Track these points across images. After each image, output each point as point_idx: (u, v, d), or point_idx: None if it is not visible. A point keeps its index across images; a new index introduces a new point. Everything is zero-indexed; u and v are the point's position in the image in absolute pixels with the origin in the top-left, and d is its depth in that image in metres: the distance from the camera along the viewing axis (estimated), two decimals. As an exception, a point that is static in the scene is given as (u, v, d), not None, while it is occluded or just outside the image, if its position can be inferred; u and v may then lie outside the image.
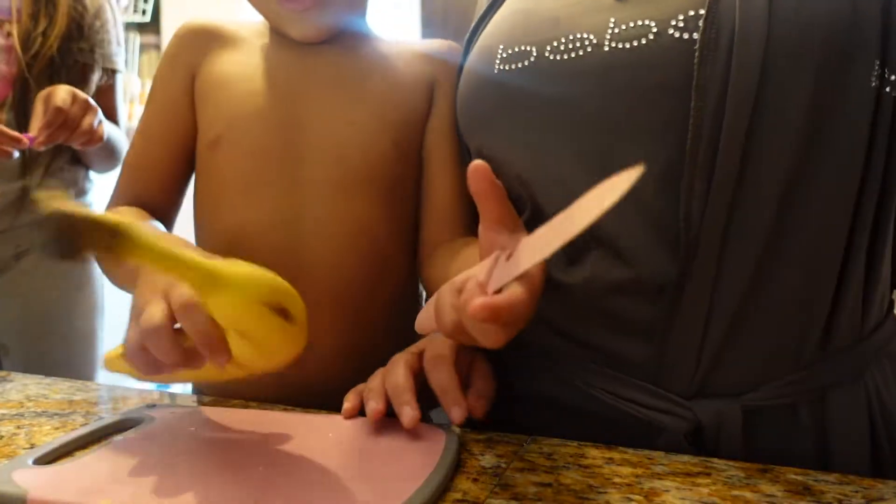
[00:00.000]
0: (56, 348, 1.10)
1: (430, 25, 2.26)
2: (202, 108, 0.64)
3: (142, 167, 0.65)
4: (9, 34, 1.02)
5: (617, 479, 0.41)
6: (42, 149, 0.93)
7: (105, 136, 1.00)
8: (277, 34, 0.66)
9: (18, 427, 0.51)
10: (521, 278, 0.35)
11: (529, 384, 0.55)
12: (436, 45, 0.67)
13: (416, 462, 0.42)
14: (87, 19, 1.08)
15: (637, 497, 0.39)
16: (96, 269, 1.16)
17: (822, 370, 0.48)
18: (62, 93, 0.92)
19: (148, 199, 0.64)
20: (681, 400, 0.47)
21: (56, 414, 0.54)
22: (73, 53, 1.06)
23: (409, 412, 0.44)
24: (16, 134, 0.90)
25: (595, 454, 0.45)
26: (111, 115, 1.14)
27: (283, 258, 0.59)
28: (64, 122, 0.92)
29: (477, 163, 0.40)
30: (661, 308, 0.46)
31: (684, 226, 0.44)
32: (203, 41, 0.66)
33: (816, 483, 0.40)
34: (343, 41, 0.64)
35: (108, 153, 1.12)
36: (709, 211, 0.43)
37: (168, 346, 0.38)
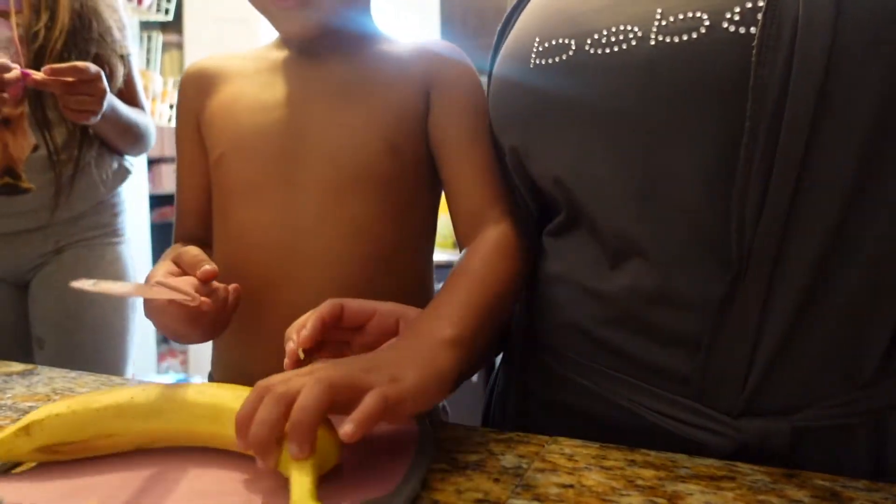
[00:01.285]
0: (90, 341, 1.12)
1: (450, 25, 2.26)
2: (207, 136, 0.67)
3: (184, 213, 0.72)
4: (18, 25, 1.02)
5: (640, 482, 0.41)
6: (31, 85, 0.92)
7: (93, 122, 1.00)
8: (277, 49, 0.68)
9: (45, 419, 0.52)
10: None
11: (562, 396, 0.53)
12: (432, 41, 0.67)
13: (388, 465, 0.41)
14: (87, 8, 1.07)
15: (660, 500, 0.38)
16: (130, 265, 1.19)
17: (882, 390, 0.44)
18: (93, 65, 0.96)
19: (197, 236, 0.71)
20: (725, 418, 0.45)
21: (81, 407, 0.55)
22: (82, 45, 1.06)
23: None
24: (4, 62, 0.89)
25: (617, 456, 0.45)
26: (134, 100, 1.16)
27: (282, 255, 0.62)
28: (70, 78, 0.93)
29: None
30: (706, 322, 0.44)
31: (737, 237, 0.41)
32: (202, 83, 0.68)
33: (844, 489, 0.40)
34: (344, 47, 0.65)
35: (133, 137, 1.14)
36: (763, 221, 0.41)
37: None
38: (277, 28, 0.64)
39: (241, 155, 0.63)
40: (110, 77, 1.07)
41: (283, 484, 0.38)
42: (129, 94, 1.15)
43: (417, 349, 0.45)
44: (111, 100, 1.04)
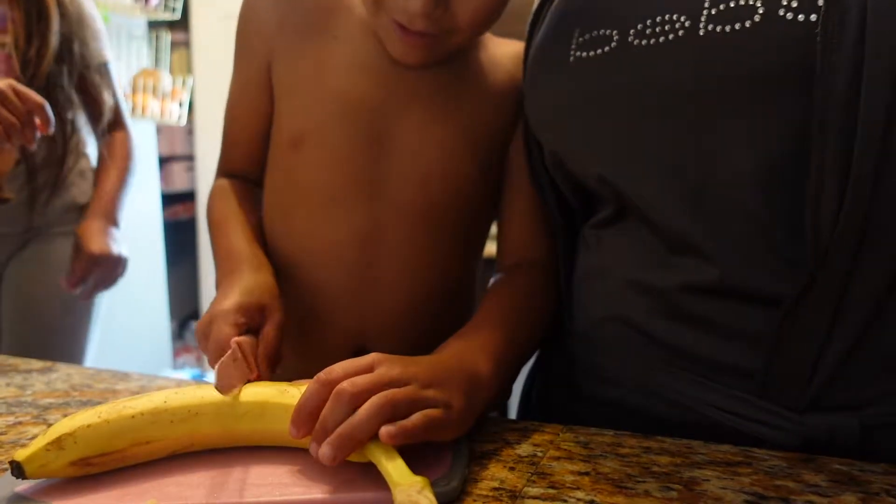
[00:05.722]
0: (45, 335, 1.16)
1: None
2: (284, 97, 0.60)
3: (232, 145, 0.67)
4: (2, 45, 1.04)
5: (655, 469, 0.41)
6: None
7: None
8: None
9: (65, 416, 0.52)
10: None
11: (608, 391, 0.52)
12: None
13: (431, 453, 0.41)
14: (73, 26, 1.09)
15: (677, 486, 0.38)
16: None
17: None
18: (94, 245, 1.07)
19: (243, 172, 0.67)
20: (790, 413, 0.43)
21: (100, 403, 0.55)
22: (68, 68, 1.09)
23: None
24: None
25: (632, 443, 0.45)
26: (117, 116, 1.18)
27: (354, 276, 0.59)
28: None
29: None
30: (772, 318, 0.42)
31: (813, 235, 0.39)
32: (280, 13, 0.59)
33: (862, 473, 0.40)
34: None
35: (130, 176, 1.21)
36: (843, 217, 0.38)
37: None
38: (390, 49, 0.55)
39: (324, 152, 0.58)
40: (97, 99, 1.13)
41: (340, 472, 0.39)
42: (113, 108, 1.17)
43: (464, 380, 0.45)
44: (113, 216, 1.14)
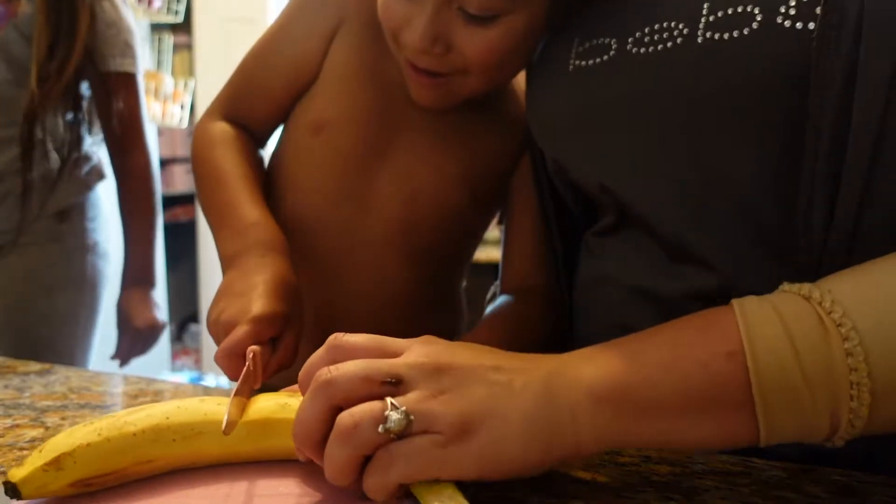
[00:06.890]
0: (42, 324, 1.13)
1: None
2: (326, 79, 0.59)
3: (250, 92, 0.62)
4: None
5: (655, 478, 0.41)
6: None
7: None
8: None
9: (63, 418, 0.52)
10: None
11: None
12: None
13: None
14: (99, 38, 1.06)
15: (676, 496, 0.38)
16: (65, 267, 1.15)
17: None
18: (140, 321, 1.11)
19: (248, 122, 0.63)
20: None
21: (98, 406, 0.55)
22: (87, 72, 1.06)
23: None
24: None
25: (631, 452, 0.44)
26: (134, 129, 1.13)
27: (327, 280, 0.59)
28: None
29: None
30: None
31: (805, 243, 0.39)
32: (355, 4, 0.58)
33: (860, 484, 0.40)
34: None
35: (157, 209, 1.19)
36: (835, 225, 0.37)
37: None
38: (409, 89, 0.56)
39: (330, 151, 0.58)
40: (107, 111, 1.09)
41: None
42: (128, 122, 1.11)
43: None
44: (150, 279, 1.15)
